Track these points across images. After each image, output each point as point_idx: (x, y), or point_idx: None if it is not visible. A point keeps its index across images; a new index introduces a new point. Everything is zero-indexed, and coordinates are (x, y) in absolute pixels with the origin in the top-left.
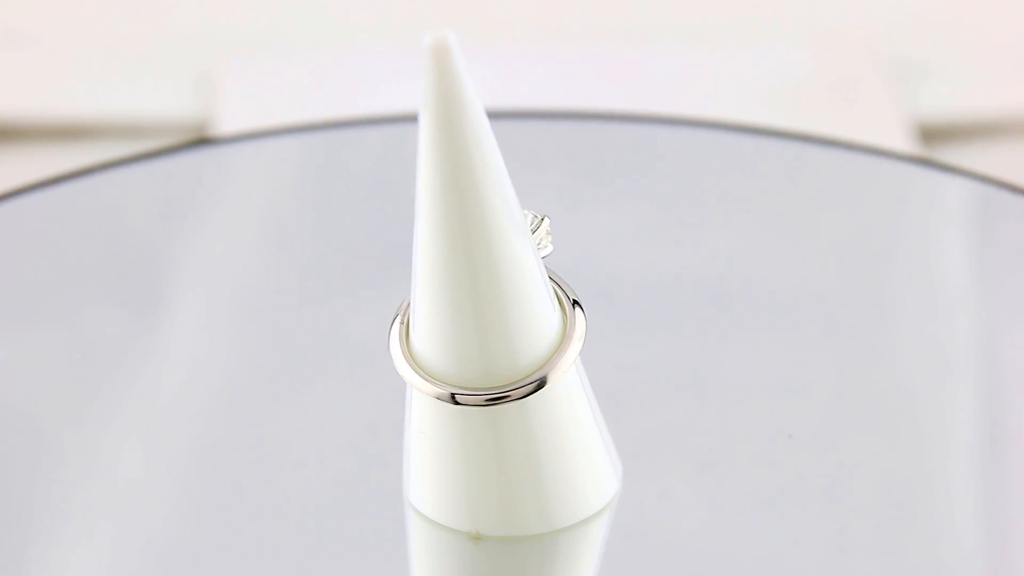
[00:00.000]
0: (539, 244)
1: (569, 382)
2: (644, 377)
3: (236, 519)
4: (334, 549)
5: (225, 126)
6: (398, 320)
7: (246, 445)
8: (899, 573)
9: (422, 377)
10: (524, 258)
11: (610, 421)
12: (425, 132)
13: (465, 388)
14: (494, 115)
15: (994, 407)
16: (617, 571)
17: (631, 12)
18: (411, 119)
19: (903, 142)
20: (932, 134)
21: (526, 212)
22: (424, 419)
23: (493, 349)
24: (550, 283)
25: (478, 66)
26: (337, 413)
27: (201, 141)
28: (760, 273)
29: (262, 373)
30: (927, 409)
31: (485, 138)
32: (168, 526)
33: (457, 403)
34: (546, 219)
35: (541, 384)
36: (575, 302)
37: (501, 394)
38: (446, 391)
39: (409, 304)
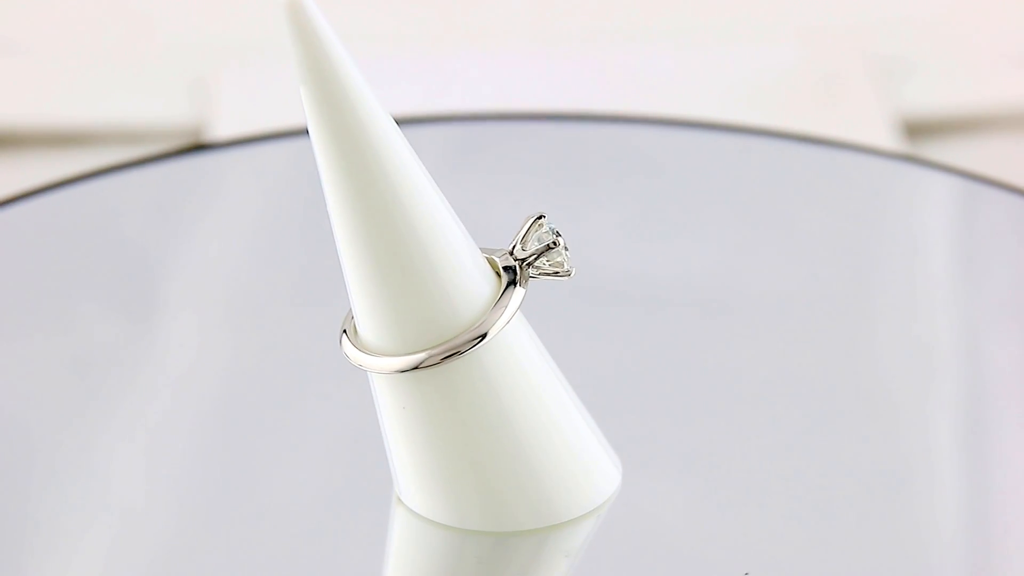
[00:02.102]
0: (557, 265)
1: (534, 360)
2: (632, 377)
3: (232, 523)
4: (329, 551)
5: (220, 131)
6: (345, 324)
7: (242, 450)
8: (888, 567)
9: (372, 355)
10: (435, 210)
11: (600, 421)
12: (307, 105)
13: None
14: (481, 118)
15: (977, 404)
16: (612, 570)
17: (615, 12)
18: (406, 123)
19: (888, 138)
20: (917, 130)
21: (544, 224)
22: (394, 409)
23: (424, 309)
24: (474, 244)
25: (466, 69)
26: (332, 418)
27: (196, 147)
28: (746, 271)
29: (257, 379)
30: (912, 405)
31: (364, 99)
32: (163, 531)
33: (407, 370)
34: (560, 238)
35: (483, 336)
36: (506, 267)
37: (446, 351)
38: (397, 361)
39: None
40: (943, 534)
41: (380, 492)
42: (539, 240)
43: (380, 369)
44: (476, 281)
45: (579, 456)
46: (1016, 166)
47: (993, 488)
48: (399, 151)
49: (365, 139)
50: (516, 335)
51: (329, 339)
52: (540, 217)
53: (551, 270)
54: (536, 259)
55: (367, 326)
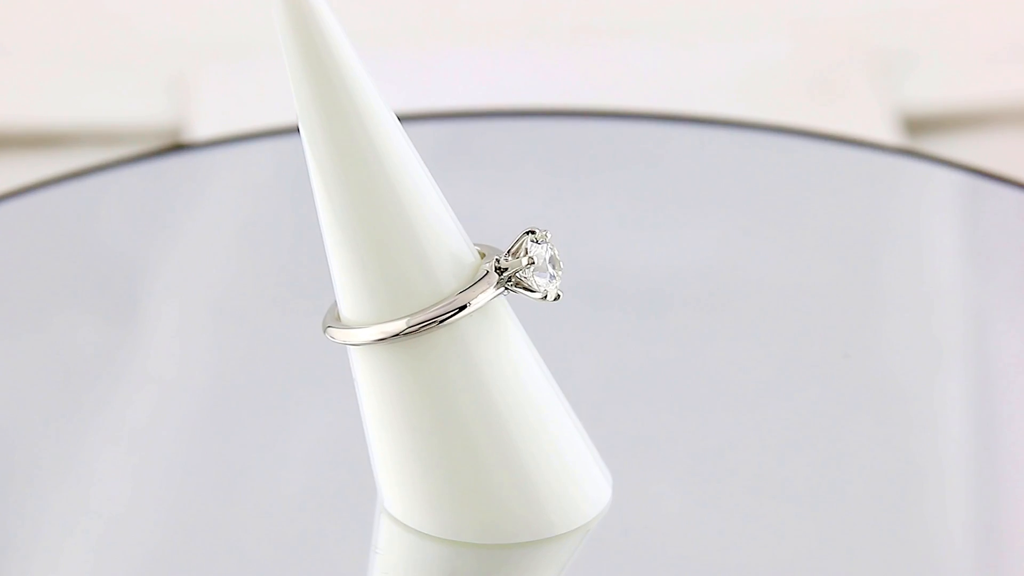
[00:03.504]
0: (528, 286)
1: (525, 358)
2: (626, 377)
3: (216, 529)
4: (313, 557)
5: (199, 131)
6: (327, 314)
7: (226, 456)
8: (892, 570)
9: (351, 328)
10: (419, 181)
11: (595, 422)
12: (288, 59)
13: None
14: (472, 115)
15: (985, 399)
16: None
17: (608, 7)
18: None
19: (888, 134)
20: (918, 125)
21: (531, 239)
22: (377, 400)
23: (404, 276)
24: (462, 228)
25: (456, 65)
26: (317, 422)
27: (175, 147)
28: (745, 269)
29: (241, 383)
30: (918, 404)
31: (348, 58)
32: (147, 537)
33: (385, 338)
34: (537, 256)
35: (463, 307)
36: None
37: (425, 319)
38: (374, 330)
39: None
40: (952, 531)
41: (365, 499)
42: (525, 252)
43: (358, 340)
44: (461, 257)
45: (570, 467)
46: (1021, 161)
47: (1003, 486)
48: (385, 120)
49: (349, 99)
50: (505, 328)
51: (313, 343)
52: (531, 232)
53: (524, 287)
54: (513, 274)
55: (348, 301)
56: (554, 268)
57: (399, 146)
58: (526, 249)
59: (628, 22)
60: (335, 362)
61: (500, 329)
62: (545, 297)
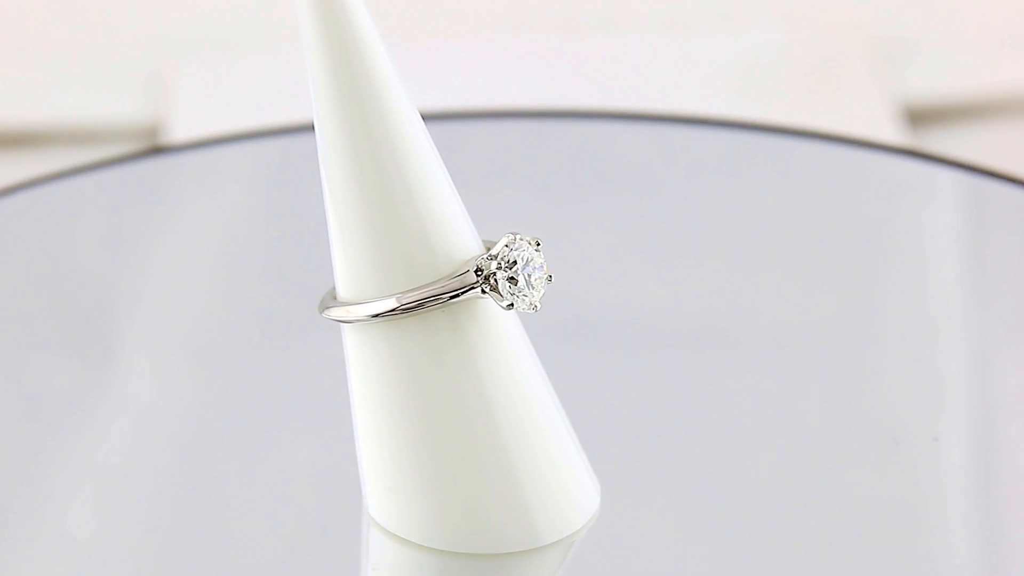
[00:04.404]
0: (497, 295)
1: (520, 353)
2: (623, 397)
3: (195, 564)
4: None
5: (178, 132)
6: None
7: (203, 489)
8: None
9: (350, 304)
10: (426, 160)
11: (587, 446)
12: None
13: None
14: (460, 116)
15: (991, 408)
16: None
17: (594, 1)
18: None
19: (888, 127)
20: (919, 117)
21: (513, 245)
22: (370, 387)
23: (406, 250)
24: (467, 214)
25: (440, 64)
26: (299, 447)
27: (153, 150)
28: (741, 278)
29: (219, 408)
30: (921, 416)
31: (368, 32)
32: (123, 570)
33: (384, 312)
34: (506, 270)
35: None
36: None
37: (425, 295)
38: (375, 305)
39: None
40: (954, 557)
41: (349, 519)
42: (497, 257)
43: (358, 315)
44: (464, 238)
45: (561, 469)
46: None
47: (1005, 509)
48: (399, 95)
49: (364, 72)
50: (506, 326)
51: (295, 352)
52: (511, 235)
53: (495, 291)
54: (487, 276)
55: (346, 279)
56: (529, 278)
57: (410, 121)
58: (500, 253)
59: (618, 15)
60: (318, 383)
61: (501, 326)
62: (511, 306)
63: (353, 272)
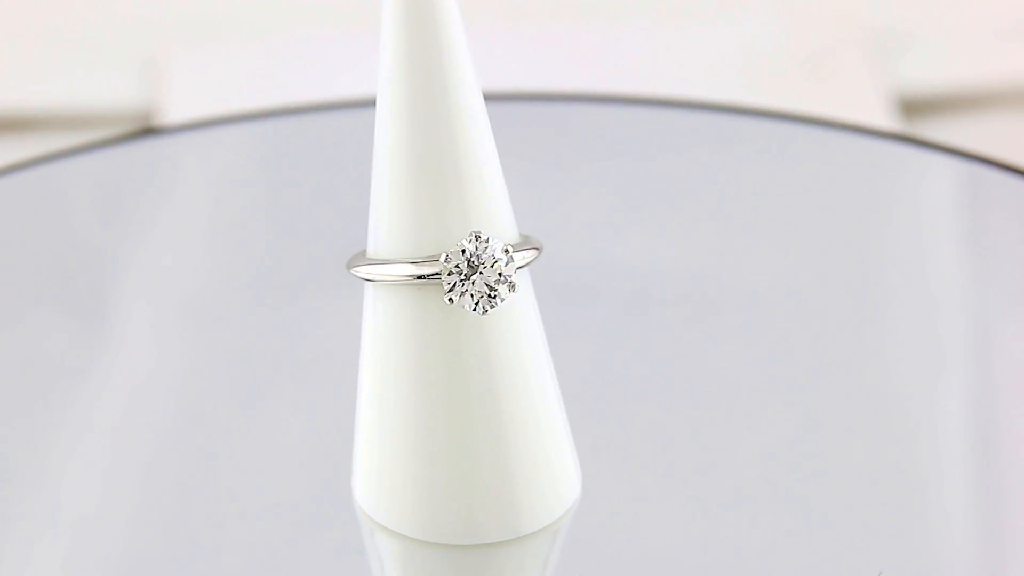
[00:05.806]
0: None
1: (535, 341)
2: (613, 373)
3: (189, 530)
4: (290, 558)
5: (172, 115)
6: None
7: (201, 454)
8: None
9: (385, 263)
10: (482, 132)
11: (573, 423)
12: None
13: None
14: None
15: (987, 394)
16: None
17: None
18: (369, 104)
19: (883, 117)
20: (914, 108)
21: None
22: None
23: (447, 213)
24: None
25: None
26: (294, 420)
27: (146, 131)
28: (736, 263)
29: (215, 378)
30: (917, 400)
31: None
32: (118, 539)
33: (424, 276)
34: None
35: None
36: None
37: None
38: (413, 267)
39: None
40: (952, 535)
41: (340, 496)
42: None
43: (393, 275)
44: (504, 213)
45: (552, 465)
46: (1021, 145)
47: (1004, 487)
48: (467, 70)
49: (437, 47)
50: (526, 311)
51: (289, 334)
52: (474, 233)
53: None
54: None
55: (386, 236)
56: (473, 275)
57: (475, 99)
58: (458, 246)
59: (620, 4)
60: (315, 356)
61: (519, 310)
62: (451, 301)
63: (391, 232)
